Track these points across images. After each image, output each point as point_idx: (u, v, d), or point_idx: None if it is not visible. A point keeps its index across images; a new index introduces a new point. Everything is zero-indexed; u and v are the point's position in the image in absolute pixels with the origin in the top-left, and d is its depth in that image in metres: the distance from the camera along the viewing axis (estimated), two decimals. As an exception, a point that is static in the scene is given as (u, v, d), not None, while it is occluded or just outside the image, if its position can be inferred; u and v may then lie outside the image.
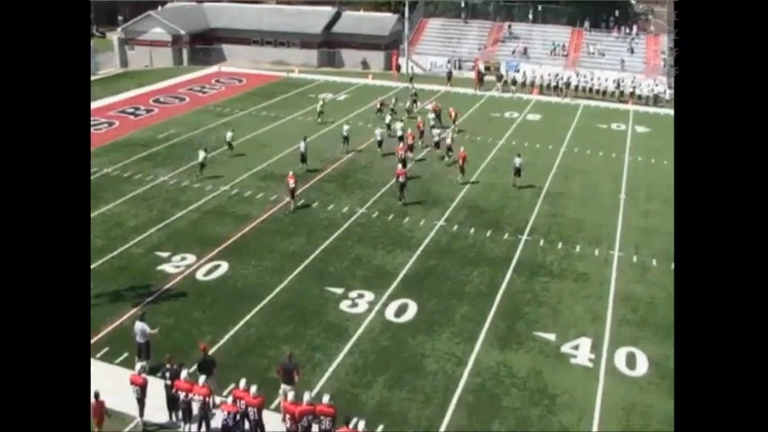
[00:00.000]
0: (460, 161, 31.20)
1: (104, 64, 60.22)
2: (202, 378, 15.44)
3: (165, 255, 23.87)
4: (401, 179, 28.65)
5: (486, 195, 30.11)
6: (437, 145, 35.35)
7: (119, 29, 65.46)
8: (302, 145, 32.67)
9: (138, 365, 16.13)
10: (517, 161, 31.19)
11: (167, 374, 15.66)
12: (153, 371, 16.55)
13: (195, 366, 16.50)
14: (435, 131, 36.13)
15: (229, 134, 35.30)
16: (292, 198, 27.98)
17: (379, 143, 35.23)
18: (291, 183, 27.67)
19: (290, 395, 14.85)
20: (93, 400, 14.47)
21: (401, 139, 34.60)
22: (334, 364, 18.07)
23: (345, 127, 35.79)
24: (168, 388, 15.66)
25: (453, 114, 39.63)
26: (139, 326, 17.54)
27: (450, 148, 34.10)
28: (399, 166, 29.94)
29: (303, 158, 32.51)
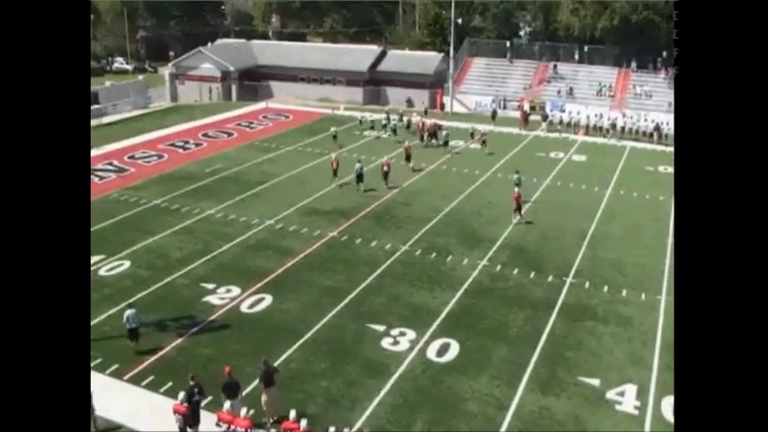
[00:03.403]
0: (514, 203, 31.09)
1: (156, 98, 62.11)
2: (227, 403, 15.95)
3: (210, 286, 24.21)
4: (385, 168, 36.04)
5: (531, 236, 29.86)
6: (446, 143, 43.60)
7: (170, 64, 67.58)
8: (358, 166, 35.36)
9: (181, 394, 16.32)
10: (515, 177, 34.05)
11: (195, 391, 16.32)
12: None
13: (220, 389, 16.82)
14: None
15: (358, 165, 35.77)
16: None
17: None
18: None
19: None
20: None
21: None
22: (374, 402, 17.95)
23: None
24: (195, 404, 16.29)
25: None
26: (129, 312, 19.79)
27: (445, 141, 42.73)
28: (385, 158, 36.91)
29: (360, 179, 34.96)
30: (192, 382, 16.60)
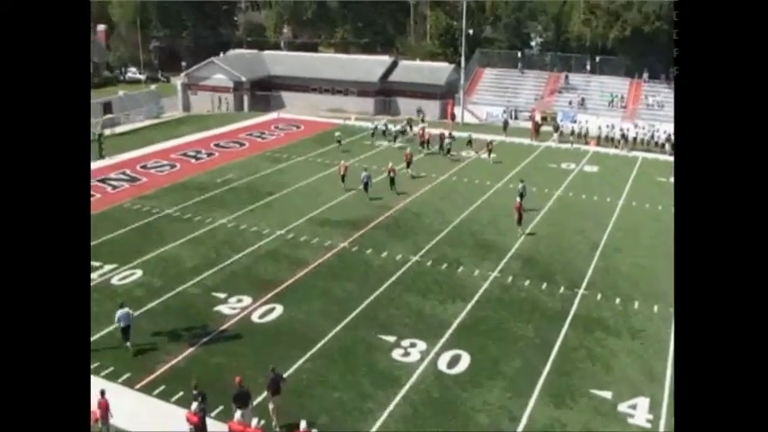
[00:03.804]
0: (516, 213, 31.03)
1: (168, 108, 62.53)
2: (238, 413, 16.08)
3: (221, 296, 24.27)
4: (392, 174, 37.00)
5: (542, 247, 29.76)
6: (448, 151, 44.82)
7: (182, 74, 68.02)
8: (364, 175, 35.63)
9: (194, 405, 16.34)
10: (520, 186, 34.06)
11: (200, 398, 16.51)
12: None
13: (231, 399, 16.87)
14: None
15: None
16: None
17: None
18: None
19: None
20: (99, 396, 16.13)
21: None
22: (385, 414, 17.91)
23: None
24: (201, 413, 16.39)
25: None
26: (120, 312, 20.32)
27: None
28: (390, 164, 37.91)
29: (366, 188, 35.42)
30: (195, 391, 16.74)
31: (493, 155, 44.79)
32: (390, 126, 51.35)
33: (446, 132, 47.36)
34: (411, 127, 52.18)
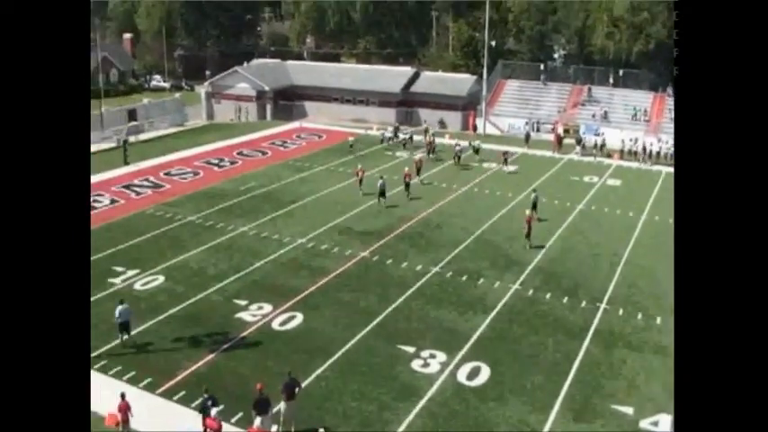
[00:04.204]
0: (526, 226, 30.88)
1: (192, 116, 63.15)
2: (258, 419, 16.26)
3: (243, 303, 24.41)
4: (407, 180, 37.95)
5: (564, 261, 29.59)
6: (458, 159, 45.66)
7: (206, 83, 68.73)
8: (380, 183, 36.26)
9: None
10: (533, 196, 34.65)
11: (209, 403, 16.64)
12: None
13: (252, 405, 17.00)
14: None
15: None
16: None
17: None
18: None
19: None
20: (119, 400, 16.54)
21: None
22: (404, 425, 17.86)
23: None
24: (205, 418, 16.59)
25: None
26: (120, 308, 21.03)
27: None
28: (406, 169, 39.09)
29: (382, 193, 35.83)
30: (205, 395, 16.89)
31: (510, 167, 45.02)
32: (395, 133, 52.85)
33: (459, 142, 48.00)
34: (410, 137, 52.77)
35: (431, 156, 47.92)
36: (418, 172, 41.40)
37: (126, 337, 21.35)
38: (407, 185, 37.97)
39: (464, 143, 48.30)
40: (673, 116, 55.27)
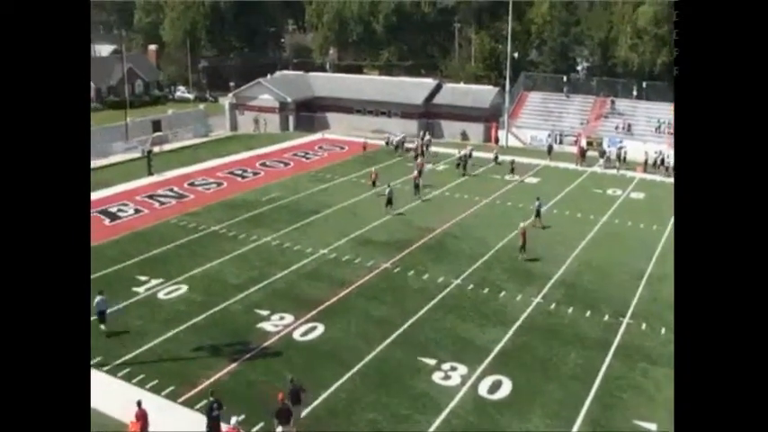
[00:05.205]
0: (521, 238, 30.62)
1: (216, 127, 63.77)
2: (279, 429, 16.44)
3: (264, 313, 24.55)
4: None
5: (586, 274, 29.38)
6: (465, 167, 46.60)
7: (230, 94, 69.34)
8: (387, 190, 37.15)
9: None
10: (537, 203, 35.30)
11: (214, 406, 16.94)
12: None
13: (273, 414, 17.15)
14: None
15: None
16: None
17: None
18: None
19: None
20: (137, 408, 16.73)
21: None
22: (424, 438, 17.83)
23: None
24: (210, 421, 16.89)
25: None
26: (98, 299, 22.40)
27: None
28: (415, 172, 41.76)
29: (389, 201, 36.60)
30: (211, 398, 17.14)
31: (516, 176, 45.97)
32: (401, 143, 54.53)
33: (467, 151, 49.06)
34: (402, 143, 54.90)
35: (418, 160, 49.49)
36: (419, 174, 42.43)
37: (103, 327, 22.54)
38: (417, 186, 40.20)
39: (465, 150, 49.05)
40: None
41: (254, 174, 46.17)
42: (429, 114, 63.45)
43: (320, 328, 23.57)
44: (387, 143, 55.30)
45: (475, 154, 49.91)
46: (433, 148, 53.48)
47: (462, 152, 48.43)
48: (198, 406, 18.31)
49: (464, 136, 60.72)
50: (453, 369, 21.13)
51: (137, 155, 50.44)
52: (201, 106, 68.15)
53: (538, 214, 35.04)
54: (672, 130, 55.46)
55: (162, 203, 38.62)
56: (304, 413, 18.15)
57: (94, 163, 48.47)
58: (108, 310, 23.14)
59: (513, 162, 47.41)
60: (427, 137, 55.33)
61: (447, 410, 19.00)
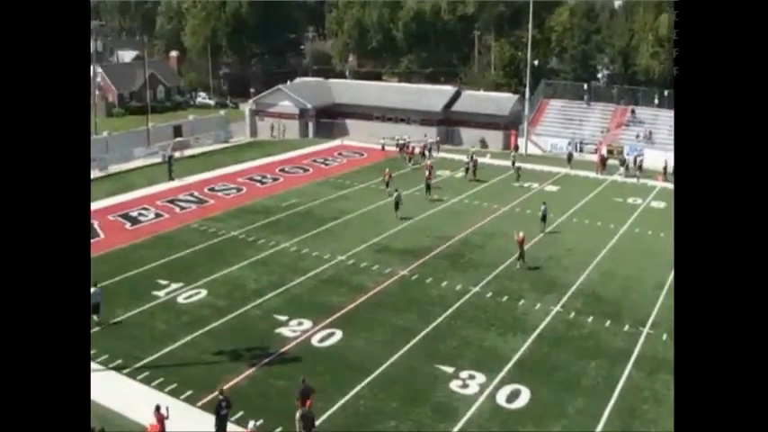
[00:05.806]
0: (518, 247, 30.21)
1: (236, 133, 64.18)
2: None
3: (283, 318, 24.61)
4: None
5: (606, 284, 29.14)
6: (474, 172, 47.28)
7: (250, 101, 69.82)
8: (395, 194, 37.89)
9: (251, 424, 16.60)
10: (542, 208, 35.49)
11: (222, 404, 17.09)
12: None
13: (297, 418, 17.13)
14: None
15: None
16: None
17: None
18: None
19: None
20: (155, 411, 16.67)
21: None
22: (442, 446, 17.75)
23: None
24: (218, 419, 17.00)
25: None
26: (93, 290, 22.25)
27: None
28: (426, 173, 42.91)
29: (396, 206, 37.18)
30: (220, 396, 17.24)
31: (522, 182, 46.33)
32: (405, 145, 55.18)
33: (473, 158, 49.18)
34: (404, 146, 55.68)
35: (410, 163, 51.41)
36: (430, 174, 43.26)
37: (96, 318, 23.03)
38: (428, 186, 41.57)
39: (470, 156, 49.14)
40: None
41: (274, 180, 46.40)
42: (448, 121, 63.43)
43: (338, 335, 23.58)
44: (397, 146, 55.97)
45: (494, 162, 49.78)
46: (444, 155, 53.56)
47: (468, 159, 48.75)
48: (250, 424, 18.15)
49: (483, 143, 60.58)
50: (471, 377, 21.03)
51: (158, 160, 50.87)
52: (222, 112, 68.65)
53: (543, 219, 35.23)
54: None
55: (182, 208, 38.92)
56: (319, 421, 18.16)
57: (117, 167, 49.14)
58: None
59: (519, 169, 47.82)
60: (432, 139, 56.33)
61: (465, 419, 18.90)
